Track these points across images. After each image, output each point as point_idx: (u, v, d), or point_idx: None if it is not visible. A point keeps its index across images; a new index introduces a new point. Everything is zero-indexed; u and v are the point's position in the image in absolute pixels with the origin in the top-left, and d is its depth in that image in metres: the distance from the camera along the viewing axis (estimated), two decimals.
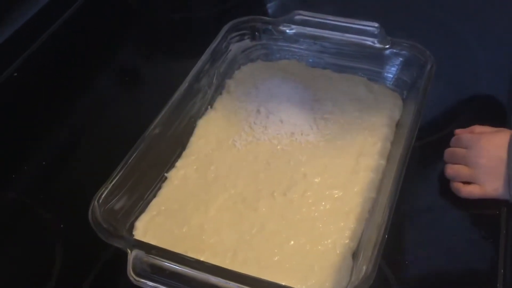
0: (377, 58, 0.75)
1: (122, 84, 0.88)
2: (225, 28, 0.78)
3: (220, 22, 0.79)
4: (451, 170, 0.66)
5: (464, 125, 0.72)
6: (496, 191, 0.62)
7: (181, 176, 0.67)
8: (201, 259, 0.55)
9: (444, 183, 0.68)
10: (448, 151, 0.68)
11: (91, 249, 0.61)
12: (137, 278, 0.51)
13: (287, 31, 0.78)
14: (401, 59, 0.74)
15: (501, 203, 0.63)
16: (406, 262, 0.60)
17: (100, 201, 0.57)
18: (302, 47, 0.80)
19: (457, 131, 0.69)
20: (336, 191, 0.64)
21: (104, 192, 0.57)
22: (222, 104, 0.75)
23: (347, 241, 0.59)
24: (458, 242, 0.62)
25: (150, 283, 0.51)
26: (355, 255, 0.58)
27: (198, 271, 0.51)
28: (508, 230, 0.61)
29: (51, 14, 0.97)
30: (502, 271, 0.58)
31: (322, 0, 0.98)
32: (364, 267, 0.50)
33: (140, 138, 0.63)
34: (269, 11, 1.00)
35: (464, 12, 0.93)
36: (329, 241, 0.59)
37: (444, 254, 0.61)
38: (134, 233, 0.61)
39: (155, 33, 0.97)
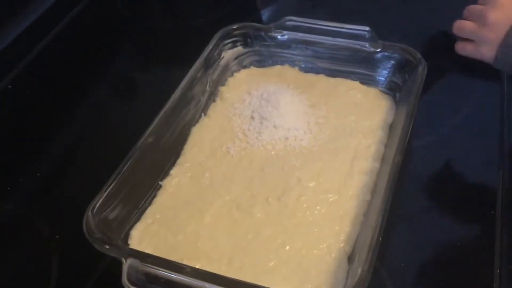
0: (369, 61, 0.76)
1: (117, 94, 0.88)
2: (217, 35, 0.78)
3: (214, 30, 0.79)
4: (459, 23, 0.75)
5: (460, 125, 0.73)
6: (487, 53, 0.70)
7: (175, 184, 0.67)
8: (197, 266, 0.55)
9: (440, 184, 0.68)
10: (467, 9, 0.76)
11: (87, 259, 0.60)
12: (132, 287, 0.51)
13: (279, 37, 0.79)
14: (392, 62, 0.74)
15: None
16: (402, 265, 0.60)
17: (94, 211, 0.57)
18: (294, 52, 0.80)
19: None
20: (330, 195, 0.64)
21: (98, 202, 0.57)
22: (216, 111, 0.76)
23: (342, 245, 0.59)
24: (453, 244, 0.61)
25: None
26: (350, 258, 0.58)
27: (193, 279, 0.51)
28: (503, 230, 0.61)
29: (45, 24, 0.97)
30: (498, 271, 0.58)
31: (315, 5, 0.98)
32: (359, 270, 0.50)
33: (134, 147, 0.63)
34: (263, 17, 1.01)
35: (456, 14, 0.93)
36: (324, 245, 0.59)
37: (440, 256, 0.61)
38: (129, 242, 0.61)
39: (149, 42, 0.97)
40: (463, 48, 0.74)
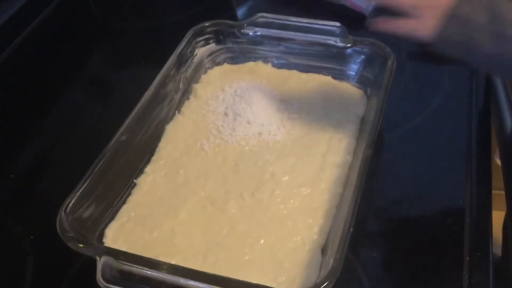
0: (340, 56, 0.77)
1: (91, 94, 0.88)
2: (190, 33, 0.78)
3: (187, 28, 0.79)
4: None
5: (430, 117, 0.74)
6: (425, 29, 0.56)
7: (150, 181, 0.67)
8: (172, 262, 0.55)
9: (410, 176, 0.69)
10: None
11: (62, 258, 0.60)
12: (107, 285, 0.51)
13: (251, 33, 0.79)
14: (363, 56, 0.75)
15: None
16: (374, 255, 0.61)
17: (68, 210, 0.57)
18: (266, 48, 0.81)
19: None
20: (304, 189, 0.65)
21: (71, 201, 0.57)
22: (190, 109, 0.76)
23: (315, 237, 0.60)
24: (424, 233, 0.63)
25: None
26: (324, 250, 0.59)
27: (168, 274, 0.52)
28: (471, 219, 0.63)
29: (17, 25, 0.96)
30: (467, 258, 0.59)
31: (288, 2, 0.99)
32: (331, 260, 0.51)
33: (107, 146, 0.63)
34: (238, 15, 1.01)
35: None
36: (298, 238, 0.60)
37: (411, 245, 0.62)
38: (104, 240, 0.61)
39: (122, 42, 0.97)
40: (391, 25, 0.58)
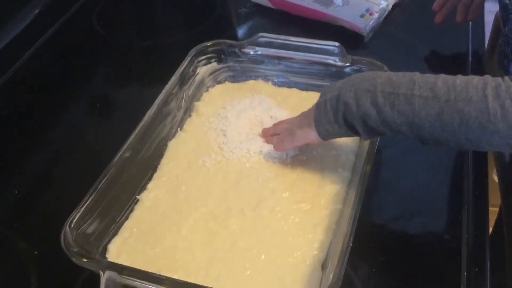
0: (339, 75, 0.78)
1: (94, 111, 0.90)
2: (192, 52, 0.80)
3: (189, 47, 0.81)
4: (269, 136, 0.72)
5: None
6: (308, 134, 0.65)
7: (152, 197, 0.68)
8: (175, 277, 0.56)
9: (409, 192, 0.71)
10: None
11: (66, 274, 0.61)
12: None
13: (252, 52, 0.81)
14: None
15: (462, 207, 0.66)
16: (373, 270, 0.62)
17: (72, 225, 0.58)
18: (267, 67, 0.83)
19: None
20: (304, 205, 0.66)
21: (75, 216, 0.59)
22: (192, 126, 0.77)
23: (316, 253, 0.61)
24: (422, 249, 0.64)
25: None
26: (324, 265, 0.60)
27: None
28: (469, 235, 0.64)
29: (22, 44, 0.98)
30: (465, 273, 0.60)
31: (288, 22, 1.01)
32: (331, 275, 0.52)
33: (111, 162, 0.65)
34: (239, 34, 1.03)
35: (421, 30, 0.97)
36: (298, 253, 0.61)
37: (409, 260, 0.63)
38: (107, 255, 0.62)
39: (125, 60, 0.99)
40: (282, 144, 0.69)
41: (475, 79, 0.53)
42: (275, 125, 0.73)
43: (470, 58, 0.90)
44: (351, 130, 0.61)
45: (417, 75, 0.57)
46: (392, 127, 0.57)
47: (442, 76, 0.55)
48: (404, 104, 0.55)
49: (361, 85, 0.59)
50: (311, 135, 0.65)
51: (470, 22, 0.94)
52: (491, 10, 0.94)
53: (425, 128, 0.55)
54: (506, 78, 0.52)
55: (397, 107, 0.56)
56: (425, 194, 0.70)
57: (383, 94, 0.56)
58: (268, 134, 0.73)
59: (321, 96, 0.63)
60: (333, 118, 0.61)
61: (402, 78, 0.57)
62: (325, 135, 0.64)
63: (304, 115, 0.67)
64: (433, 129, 0.54)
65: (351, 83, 0.60)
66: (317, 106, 0.63)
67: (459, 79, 0.54)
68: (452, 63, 0.91)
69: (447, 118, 0.53)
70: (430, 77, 0.56)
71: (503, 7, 0.76)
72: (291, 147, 0.70)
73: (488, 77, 0.53)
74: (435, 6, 0.91)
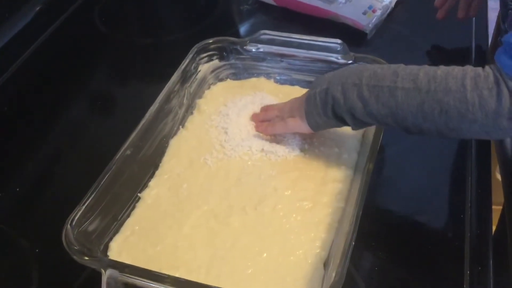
0: None
1: (95, 108, 0.89)
2: (194, 49, 0.80)
3: (191, 44, 0.81)
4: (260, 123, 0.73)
5: (427, 137, 0.75)
6: (299, 125, 0.68)
7: (154, 195, 0.68)
8: (176, 275, 0.56)
9: (411, 191, 0.70)
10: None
11: (67, 271, 0.61)
12: None
13: (254, 50, 0.81)
14: None
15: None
16: (376, 268, 0.62)
17: (73, 223, 0.58)
18: (269, 65, 0.82)
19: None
20: (306, 203, 0.65)
21: (77, 214, 0.58)
22: (193, 124, 0.77)
23: (318, 251, 0.61)
24: (425, 247, 0.63)
25: None
26: (326, 263, 0.60)
27: (171, 287, 0.52)
28: (472, 234, 0.63)
29: (23, 41, 0.98)
30: (468, 272, 0.60)
31: (290, 20, 1.01)
32: (333, 274, 0.52)
33: (112, 160, 0.64)
34: (241, 32, 1.03)
35: (424, 27, 0.96)
36: (300, 251, 0.61)
37: (412, 259, 0.63)
38: (108, 253, 0.62)
39: (127, 58, 0.98)
40: (273, 128, 0.71)
41: (455, 70, 0.55)
42: (264, 110, 0.74)
43: (473, 55, 0.89)
44: (340, 122, 0.63)
45: (400, 67, 0.58)
46: (378, 119, 0.59)
47: (425, 67, 0.57)
48: (387, 97, 0.57)
49: (348, 78, 0.61)
50: (302, 126, 0.67)
51: (474, 19, 0.93)
52: (494, 8, 0.94)
53: (408, 119, 0.57)
54: (487, 67, 0.54)
55: (381, 100, 0.58)
56: (428, 193, 0.70)
57: (368, 87, 0.58)
58: (258, 120, 0.73)
59: (311, 89, 0.65)
60: (322, 110, 0.63)
61: (386, 70, 0.59)
62: (315, 127, 0.66)
63: (294, 104, 0.69)
64: (415, 120, 0.56)
65: (339, 76, 0.62)
66: (307, 98, 0.65)
67: (440, 70, 0.56)
68: (455, 60, 0.89)
69: (428, 108, 0.55)
70: (413, 68, 0.57)
71: (502, 3, 0.76)
72: (282, 132, 0.71)
73: (468, 67, 0.54)
74: (436, 2, 0.90)
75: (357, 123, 0.62)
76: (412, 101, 0.56)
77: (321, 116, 0.64)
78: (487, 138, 0.56)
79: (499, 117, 0.52)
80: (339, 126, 0.65)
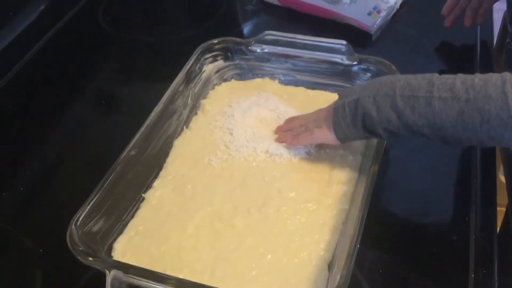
0: (346, 74, 0.78)
1: (99, 108, 0.89)
2: (198, 49, 0.80)
3: (195, 44, 0.81)
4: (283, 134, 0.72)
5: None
6: (325, 136, 0.66)
7: (158, 196, 0.68)
8: (180, 277, 0.56)
9: (416, 193, 0.70)
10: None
11: (71, 272, 0.61)
12: None
13: (259, 50, 0.81)
14: (369, 74, 0.76)
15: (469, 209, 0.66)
16: (380, 271, 0.61)
17: (78, 224, 0.58)
18: (274, 65, 0.82)
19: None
20: (310, 205, 0.65)
21: (81, 215, 0.58)
22: (198, 124, 0.77)
23: (322, 253, 0.60)
24: (429, 250, 0.63)
25: None
26: (330, 266, 0.60)
27: None
28: (476, 236, 0.63)
29: (28, 40, 0.98)
30: (472, 275, 0.60)
31: (295, 20, 1.01)
32: (338, 276, 0.52)
33: (116, 161, 0.64)
34: (245, 32, 1.03)
35: (429, 28, 0.96)
36: (305, 253, 0.61)
37: (417, 262, 0.62)
38: (112, 254, 0.62)
39: (131, 57, 0.98)
40: (298, 140, 0.70)
41: (493, 77, 0.53)
42: (288, 121, 0.73)
43: (478, 56, 0.89)
44: (370, 134, 0.62)
45: (435, 77, 0.57)
46: (414, 130, 0.58)
47: (460, 76, 0.55)
48: (424, 107, 0.56)
49: (380, 90, 0.59)
50: (329, 137, 0.66)
51: None
52: (499, 8, 0.93)
53: (447, 129, 0.55)
54: None
55: (417, 110, 0.56)
56: (432, 195, 0.70)
57: (402, 98, 0.57)
58: (282, 130, 0.72)
59: (339, 99, 0.64)
60: (352, 122, 0.62)
61: (421, 80, 0.57)
62: (343, 138, 0.65)
63: (320, 114, 0.68)
64: (454, 130, 0.55)
65: (370, 87, 0.61)
66: (335, 109, 0.63)
67: (478, 78, 0.54)
68: (460, 61, 0.90)
69: (468, 117, 0.53)
70: (448, 77, 0.56)
71: (510, 5, 0.76)
72: (307, 144, 0.70)
73: (507, 74, 0.53)
74: (444, 10, 0.90)
75: (390, 135, 0.60)
76: (451, 111, 0.54)
77: (350, 128, 0.62)
78: None
79: None
80: (368, 138, 0.64)
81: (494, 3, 0.89)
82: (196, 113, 0.79)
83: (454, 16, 0.89)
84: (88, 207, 0.59)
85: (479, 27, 0.93)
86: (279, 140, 0.72)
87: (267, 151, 0.71)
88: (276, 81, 0.83)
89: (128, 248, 0.62)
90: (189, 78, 0.78)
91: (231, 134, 0.73)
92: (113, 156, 0.65)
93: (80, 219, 0.58)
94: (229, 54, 0.82)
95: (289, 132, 0.71)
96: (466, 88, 0.54)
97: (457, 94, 0.54)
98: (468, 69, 0.75)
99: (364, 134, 0.62)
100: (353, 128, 0.62)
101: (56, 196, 0.74)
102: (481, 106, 0.52)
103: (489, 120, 0.52)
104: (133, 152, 0.66)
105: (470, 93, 0.53)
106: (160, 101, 0.72)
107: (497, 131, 0.53)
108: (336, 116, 0.63)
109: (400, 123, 0.58)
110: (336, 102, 0.64)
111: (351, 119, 0.61)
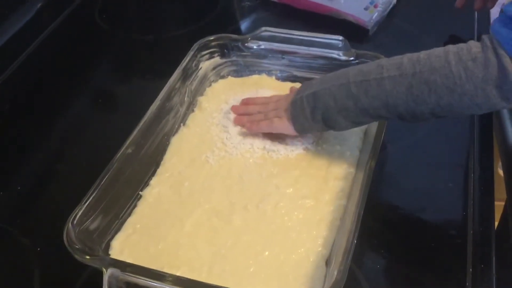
0: None
1: (96, 106, 0.89)
2: (195, 46, 0.80)
3: (192, 41, 0.81)
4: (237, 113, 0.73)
5: (433, 129, 0.75)
6: (285, 127, 0.68)
7: (155, 194, 0.68)
8: (177, 274, 0.56)
9: (414, 188, 0.70)
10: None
11: (69, 270, 0.61)
12: None
13: (255, 47, 0.81)
14: None
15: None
16: (378, 266, 0.61)
17: (75, 222, 0.58)
18: (270, 62, 0.82)
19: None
20: (308, 201, 0.65)
21: (78, 213, 0.58)
22: (195, 121, 0.77)
23: (319, 249, 0.60)
24: (427, 245, 0.63)
25: None
26: (328, 262, 0.60)
27: (173, 286, 0.52)
28: (474, 231, 0.63)
29: (25, 38, 0.98)
30: (470, 270, 0.60)
31: (291, 16, 1.01)
32: (335, 272, 0.51)
33: (113, 158, 0.64)
34: (242, 29, 1.02)
35: (426, 23, 0.96)
36: (302, 249, 0.61)
37: (415, 257, 0.62)
38: (110, 252, 0.62)
39: (128, 55, 0.98)
40: (258, 126, 0.70)
41: (437, 50, 0.56)
42: (244, 103, 0.74)
43: None
44: (328, 126, 0.64)
45: (383, 60, 0.60)
46: (371, 113, 0.60)
47: (408, 54, 0.58)
48: (376, 88, 0.58)
49: (335, 80, 0.62)
50: (289, 128, 0.68)
51: (476, 14, 0.93)
52: (497, 3, 0.93)
53: (400, 105, 0.58)
54: (469, 42, 0.55)
55: (370, 93, 0.59)
56: (430, 190, 0.70)
57: (355, 84, 0.60)
58: (238, 113, 0.73)
59: (297, 93, 0.66)
60: (310, 115, 0.64)
61: (371, 65, 0.60)
62: (301, 130, 0.67)
63: (279, 104, 0.69)
64: (407, 105, 0.57)
65: (327, 79, 0.63)
66: (293, 102, 0.66)
67: (423, 53, 0.57)
68: None
69: (417, 90, 0.56)
70: (396, 58, 0.59)
71: None
72: (267, 131, 0.71)
73: (449, 46, 0.56)
74: None
75: (350, 124, 0.63)
76: (400, 87, 0.57)
77: (308, 120, 0.64)
78: (478, 112, 0.58)
79: (487, 86, 0.53)
80: (325, 130, 0.66)
81: None
82: (193, 110, 0.79)
83: None
84: (85, 205, 0.59)
85: (476, 21, 0.93)
86: (236, 121, 0.73)
87: (264, 148, 0.71)
88: (273, 77, 0.83)
89: (125, 246, 0.62)
90: (186, 75, 0.78)
91: (228, 131, 0.73)
92: (110, 154, 0.65)
93: (77, 217, 0.58)
94: (225, 50, 0.82)
95: (246, 117, 0.72)
96: (412, 63, 0.56)
97: (404, 70, 0.57)
98: None
99: (322, 127, 0.65)
100: (312, 120, 0.64)
101: (53, 195, 0.74)
102: (427, 77, 0.55)
103: (436, 90, 0.55)
104: (130, 150, 0.66)
105: (416, 67, 0.56)
106: (157, 98, 0.72)
107: (445, 100, 0.55)
108: (294, 109, 0.65)
109: (357, 109, 0.60)
110: (294, 95, 0.66)
111: (310, 112, 0.63)
